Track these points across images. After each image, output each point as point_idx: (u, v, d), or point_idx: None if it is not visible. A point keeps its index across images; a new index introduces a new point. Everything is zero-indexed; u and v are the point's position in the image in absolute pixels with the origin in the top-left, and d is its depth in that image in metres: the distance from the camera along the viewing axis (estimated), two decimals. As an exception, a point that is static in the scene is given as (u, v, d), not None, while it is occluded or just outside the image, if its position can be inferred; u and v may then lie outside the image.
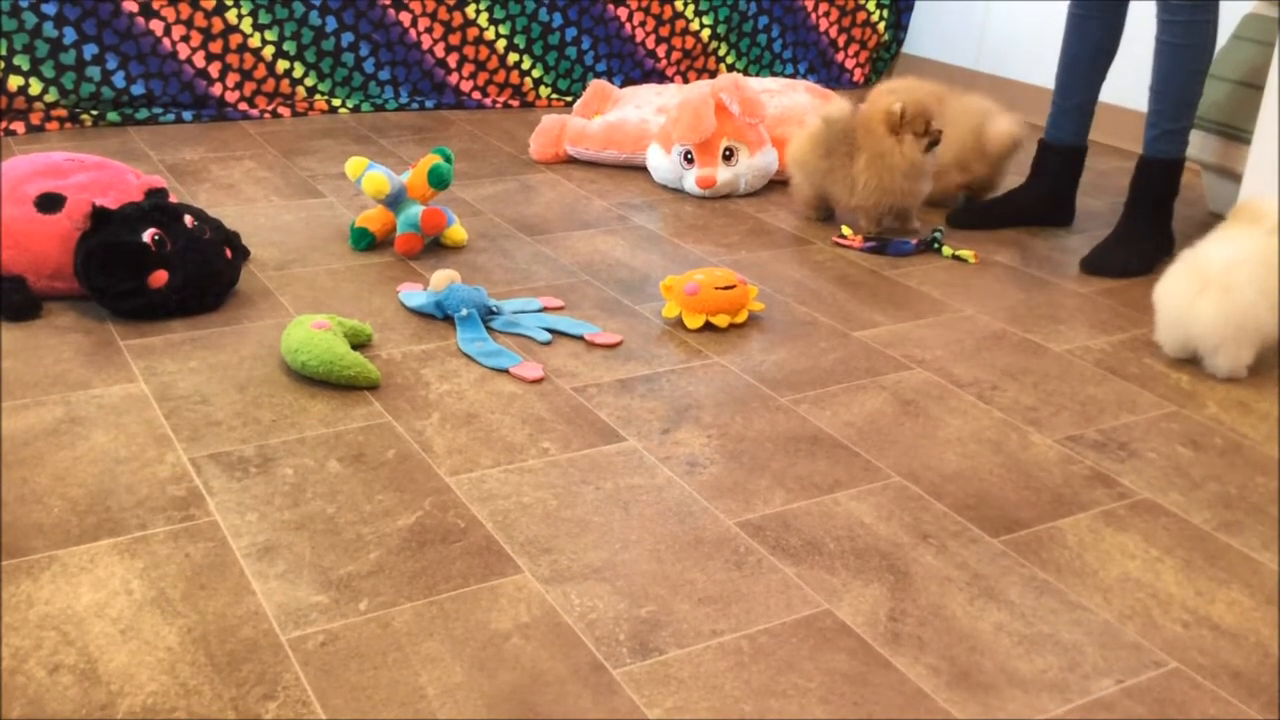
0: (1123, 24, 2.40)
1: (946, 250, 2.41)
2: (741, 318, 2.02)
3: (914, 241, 2.42)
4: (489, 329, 1.93)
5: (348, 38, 3.20)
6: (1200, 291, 1.85)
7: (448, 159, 2.27)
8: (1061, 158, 2.51)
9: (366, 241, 2.25)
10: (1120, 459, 1.64)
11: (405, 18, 3.25)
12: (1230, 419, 1.77)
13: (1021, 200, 2.56)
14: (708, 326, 2.00)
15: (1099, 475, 1.60)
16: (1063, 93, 2.47)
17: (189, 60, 3.04)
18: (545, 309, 2.03)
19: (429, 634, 1.21)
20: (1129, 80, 2.72)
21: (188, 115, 3.04)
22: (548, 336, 1.91)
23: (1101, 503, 1.53)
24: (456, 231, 2.29)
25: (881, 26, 3.85)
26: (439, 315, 1.96)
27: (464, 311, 1.91)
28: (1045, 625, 1.28)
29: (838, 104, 2.50)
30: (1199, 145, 2.53)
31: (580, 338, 1.93)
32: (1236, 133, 2.48)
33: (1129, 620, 1.30)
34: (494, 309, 1.97)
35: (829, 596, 1.32)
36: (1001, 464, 1.62)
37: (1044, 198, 2.55)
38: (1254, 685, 1.21)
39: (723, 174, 2.66)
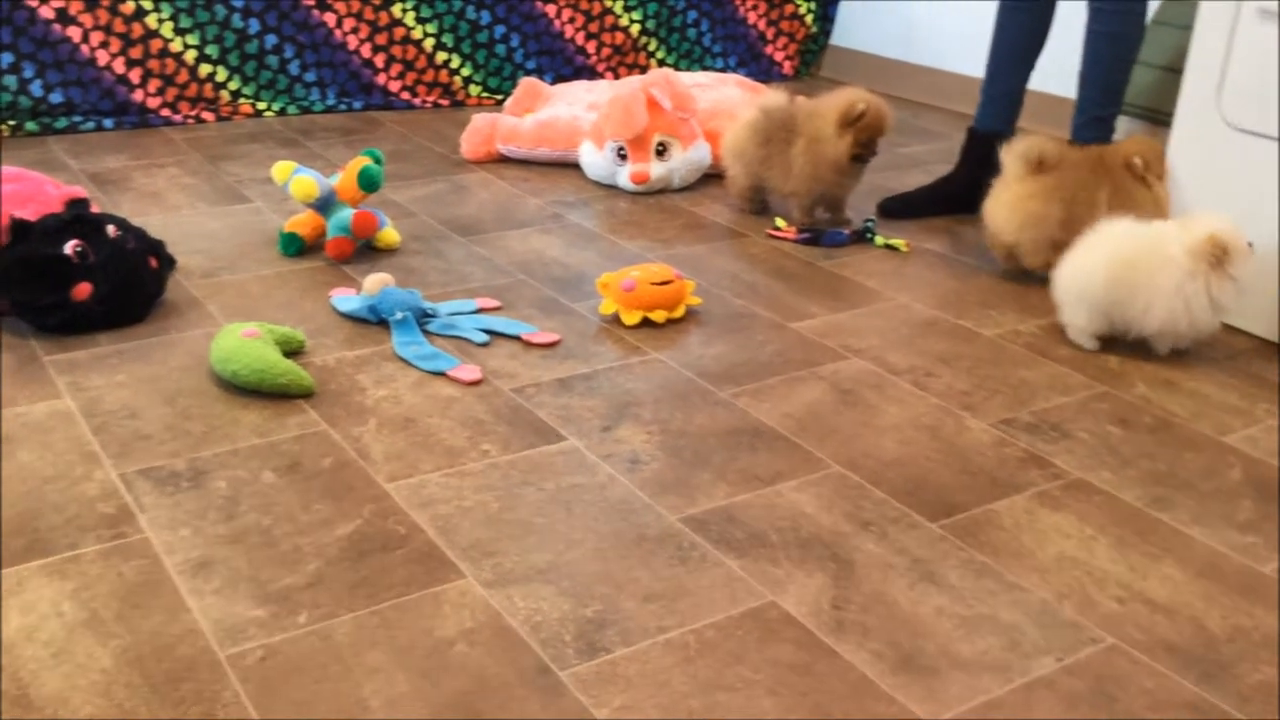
0: (1053, 14, 2.43)
1: (879, 239, 2.43)
2: (679, 313, 2.02)
3: (847, 232, 2.44)
4: (425, 332, 1.91)
5: (271, 40, 3.15)
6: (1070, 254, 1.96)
7: (378, 161, 2.24)
8: (989, 145, 2.53)
9: (296, 247, 2.21)
10: (1053, 440, 1.67)
11: (330, 18, 3.20)
12: (1158, 397, 1.81)
13: (950, 187, 2.59)
14: (645, 323, 2.00)
15: (1033, 457, 1.62)
16: (992, 81, 2.51)
17: (108, 66, 2.97)
18: (481, 310, 2.01)
19: (371, 644, 1.20)
20: (1057, 68, 2.76)
21: (109, 123, 2.97)
22: (485, 338, 1.90)
23: (1036, 484, 1.55)
24: (389, 234, 2.26)
25: (809, 19, 3.87)
26: (373, 319, 1.93)
27: (399, 315, 1.89)
28: (985, 607, 1.30)
29: (774, 94, 2.52)
30: (1123, 130, 2.57)
31: (518, 338, 1.92)
32: (1158, 117, 2.53)
33: (1066, 599, 1.32)
34: (429, 311, 1.95)
35: (773, 588, 1.32)
36: (938, 449, 1.63)
37: (972, 184, 2.57)
38: (1189, 658, 1.23)
39: (656, 169, 2.66)
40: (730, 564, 1.36)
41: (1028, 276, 2.27)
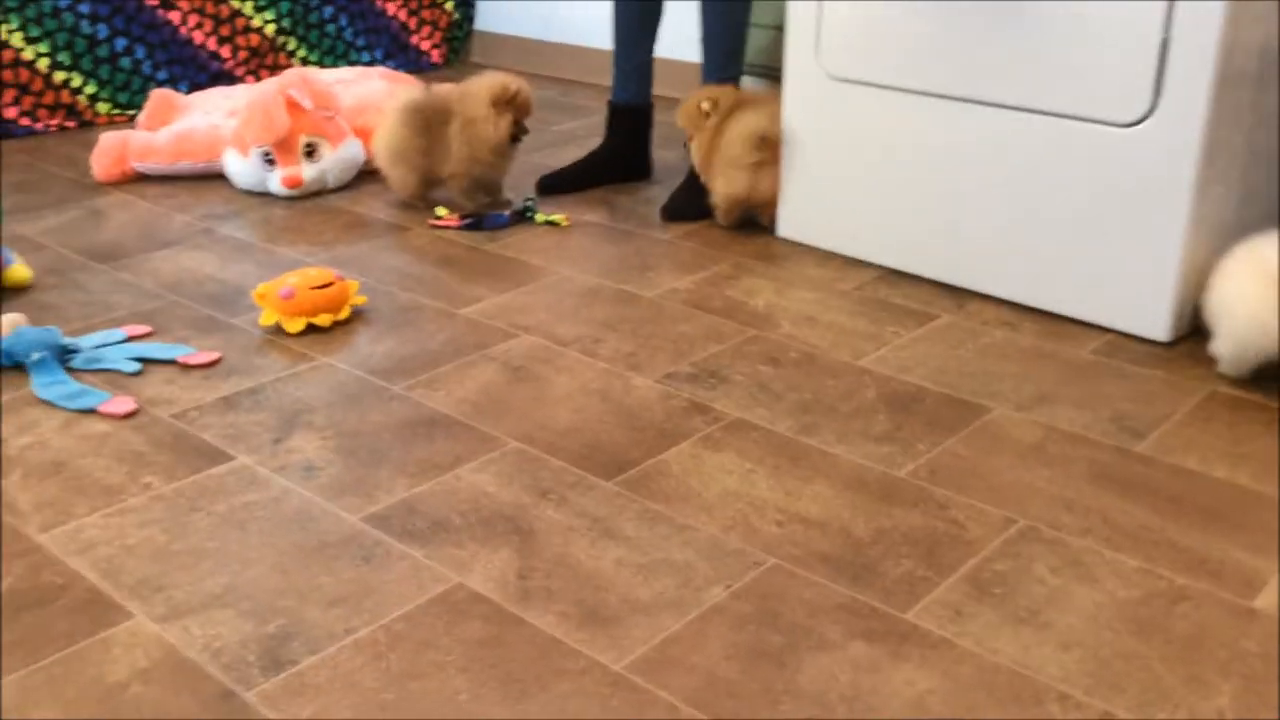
0: None
1: (539, 217, 2.49)
2: (345, 314, 2.00)
3: (507, 213, 2.48)
4: (69, 369, 1.79)
5: None
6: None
7: (-9, 194, 2.07)
8: (630, 116, 2.65)
9: (-91, 297, 2.02)
10: (712, 386, 1.78)
11: (-79, 44, 2.92)
12: (801, 334, 1.96)
13: (600, 161, 2.69)
14: (311, 328, 1.96)
15: (695, 405, 1.72)
16: (622, 56, 2.61)
17: None
18: (131, 338, 1.91)
19: (37, 703, 1.13)
20: (682, 35, 2.90)
21: None
22: (136, 366, 1.81)
23: (699, 429, 1.65)
24: (17, 271, 2.10)
25: (450, 5, 3.88)
26: (8, 364, 1.79)
27: (35, 355, 1.76)
28: (659, 551, 1.38)
29: (409, 90, 2.51)
30: (747, 88, 2.75)
31: (174, 362, 1.84)
32: (775, 73, 2.71)
33: (731, 530, 1.42)
34: (71, 348, 1.83)
35: (459, 570, 1.34)
36: (609, 411, 1.71)
37: (620, 156, 2.68)
38: (840, 563, 1.36)
39: (308, 171, 2.60)
40: (415, 554, 1.37)
41: (691, 235, 2.39)
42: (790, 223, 2.35)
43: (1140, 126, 1.82)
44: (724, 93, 2.40)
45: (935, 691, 1.16)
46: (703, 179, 2.44)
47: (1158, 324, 1.90)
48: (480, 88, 2.45)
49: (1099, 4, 1.81)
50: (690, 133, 2.44)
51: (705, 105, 2.38)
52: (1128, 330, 1.94)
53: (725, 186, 2.36)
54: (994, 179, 2.01)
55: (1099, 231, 1.91)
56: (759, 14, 2.75)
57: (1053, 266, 1.98)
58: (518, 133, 2.48)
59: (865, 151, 2.17)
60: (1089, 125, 1.88)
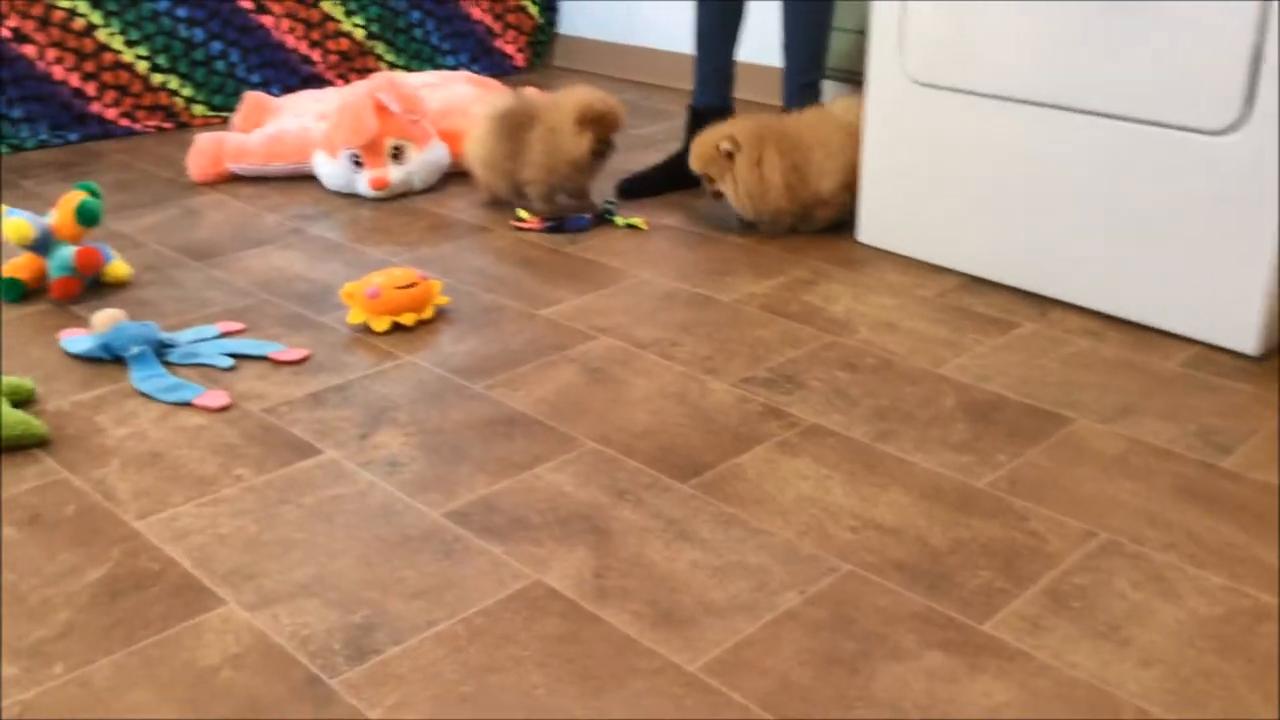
0: None
1: (619, 220, 2.52)
2: (428, 314, 2.04)
3: (589, 216, 2.51)
4: (165, 363, 1.86)
5: (-34, 75, 2.96)
6: None
7: (94, 193, 2.16)
8: (710, 120, 2.65)
9: (18, 291, 2.10)
10: (788, 391, 1.78)
11: (30, 50, 3.03)
12: (879, 340, 1.96)
13: (679, 165, 2.70)
14: (396, 327, 2.01)
15: (771, 410, 1.73)
16: (703, 59, 2.62)
17: None
18: (225, 334, 1.98)
19: (133, 684, 1.18)
20: (765, 40, 2.91)
21: None
22: (230, 362, 1.87)
23: (775, 434, 1.66)
24: (118, 268, 2.18)
25: (534, 9, 3.93)
26: (108, 357, 1.87)
27: (134, 349, 1.83)
28: (734, 554, 1.39)
29: (498, 96, 2.56)
30: (829, 93, 2.74)
31: (265, 358, 1.90)
32: (856, 77, 2.71)
33: (806, 535, 1.42)
34: (168, 342, 1.89)
35: (537, 567, 1.37)
36: (685, 414, 1.72)
37: (700, 160, 2.70)
38: (916, 572, 1.36)
39: (394, 174, 2.66)
40: (495, 550, 1.40)
41: (770, 240, 2.40)
42: (870, 228, 2.34)
43: (1231, 134, 1.79)
44: (739, 127, 2.33)
45: (1012, 704, 1.15)
46: (751, 215, 2.38)
47: (1246, 337, 1.86)
48: (569, 101, 2.47)
49: (1190, 7, 1.79)
50: (710, 176, 2.37)
51: (725, 145, 2.32)
52: (1215, 343, 1.90)
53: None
54: (1079, 186, 1.98)
55: (1187, 241, 1.88)
56: (841, 18, 2.74)
57: (1139, 276, 1.95)
58: (602, 149, 2.49)
59: (948, 157, 2.16)
60: (1178, 132, 1.85)
